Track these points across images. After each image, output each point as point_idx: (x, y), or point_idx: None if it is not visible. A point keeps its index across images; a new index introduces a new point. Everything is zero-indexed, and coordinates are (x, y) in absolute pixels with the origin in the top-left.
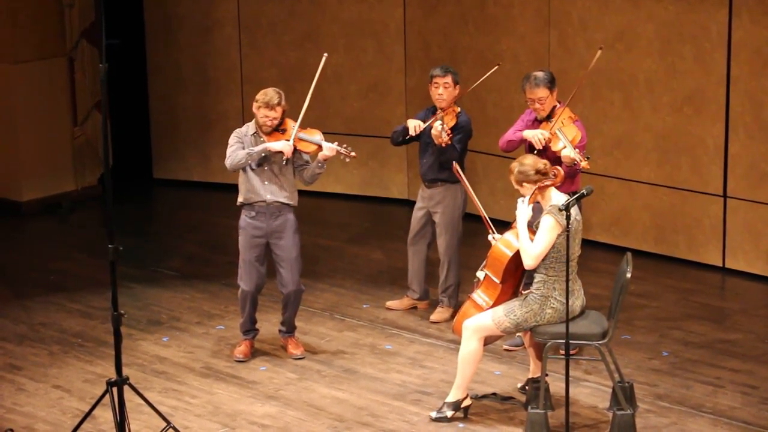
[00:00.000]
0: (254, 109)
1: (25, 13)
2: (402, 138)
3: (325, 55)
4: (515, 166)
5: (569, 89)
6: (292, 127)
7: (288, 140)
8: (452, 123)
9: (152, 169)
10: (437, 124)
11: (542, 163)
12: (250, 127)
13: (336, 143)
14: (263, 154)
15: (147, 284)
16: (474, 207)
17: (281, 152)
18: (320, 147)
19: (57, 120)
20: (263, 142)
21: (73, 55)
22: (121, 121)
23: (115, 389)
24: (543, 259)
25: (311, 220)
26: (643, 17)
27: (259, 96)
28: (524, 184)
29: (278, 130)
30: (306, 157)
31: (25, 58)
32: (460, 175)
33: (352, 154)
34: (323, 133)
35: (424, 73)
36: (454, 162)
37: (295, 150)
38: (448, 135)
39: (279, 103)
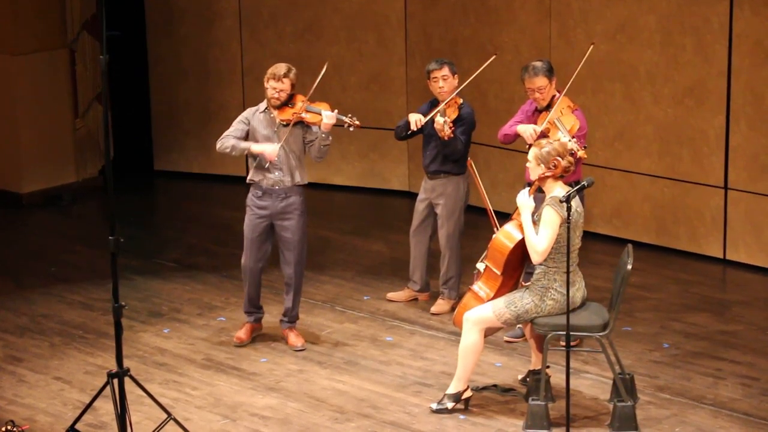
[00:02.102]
0: (265, 83)
1: (26, 4)
2: (405, 132)
3: (327, 64)
4: (543, 142)
5: (569, 81)
6: (302, 101)
7: (292, 117)
8: (455, 115)
9: (153, 161)
10: (439, 118)
11: (568, 161)
12: (261, 105)
13: (336, 111)
14: (245, 152)
15: (148, 276)
16: (481, 201)
17: (264, 154)
18: None
19: (58, 112)
20: (273, 117)
21: (74, 47)
22: (122, 112)
23: (116, 381)
24: None
25: (312, 212)
26: (644, 8)
27: (270, 69)
28: (540, 164)
29: (287, 104)
30: (315, 129)
31: (26, 50)
32: (473, 171)
33: (356, 122)
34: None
35: (424, 65)
36: (469, 159)
37: (303, 123)
38: (450, 128)
39: (287, 75)
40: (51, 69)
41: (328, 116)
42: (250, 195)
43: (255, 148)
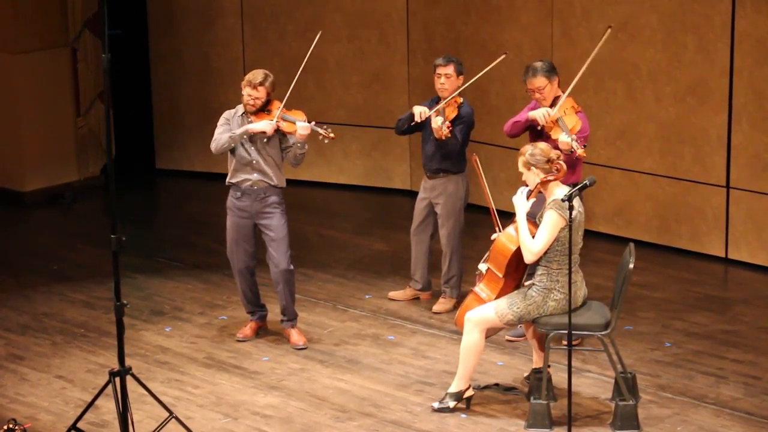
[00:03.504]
0: (242, 88)
1: (27, 3)
2: (407, 126)
3: (320, 32)
4: (527, 149)
5: (572, 80)
6: (278, 107)
7: (272, 120)
8: (453, 115)
9: (155, 160)
10: (438, 119)
11: (555, 153)
12: (239, 108)
13: (313, 123)
14: (245, 137)
15: (149, 274)
16: (483, 200)
17: (264, 132)
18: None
19: (60, 110)
20: (250, 122)
21: (76, 46)
22: (124, 111)
23: (117, 379)
24: (545, 252)
25: (313, 211)
26: (646, 7)
27: (247, 75)
28: (532, 168)
29: (264, 110)
30: (292, 138)
31: (27, 49)
32: (478, 167)
33: (331, 135)
34: (327, 123)
35: (426, 64)
36: (474, 155)
37: (279, 130)
38: (448, 128)
39: (262, 84)
40: (52, 68)
41: (302, 127)
42: (229, 197)
43: (253, 127)
